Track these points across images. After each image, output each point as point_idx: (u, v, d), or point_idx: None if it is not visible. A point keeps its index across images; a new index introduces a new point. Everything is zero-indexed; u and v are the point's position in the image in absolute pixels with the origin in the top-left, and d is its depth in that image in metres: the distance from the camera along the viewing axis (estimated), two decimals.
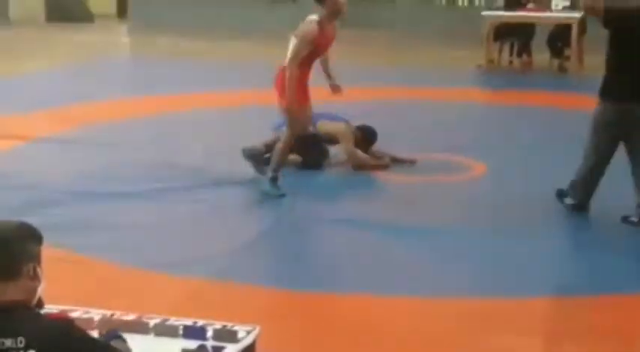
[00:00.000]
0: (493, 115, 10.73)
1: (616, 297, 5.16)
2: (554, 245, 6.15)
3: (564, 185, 6.56)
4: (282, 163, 7.03)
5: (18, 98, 10.77)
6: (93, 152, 8.28)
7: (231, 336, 3.05)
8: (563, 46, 13.30)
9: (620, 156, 6.36)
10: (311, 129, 7.41)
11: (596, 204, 6.50)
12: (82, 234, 6.03)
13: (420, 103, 10.89)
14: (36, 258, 2.61)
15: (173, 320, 3.17)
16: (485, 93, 12.65)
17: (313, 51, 6.84)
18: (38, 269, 2.60)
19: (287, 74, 6.76)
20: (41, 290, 2.62)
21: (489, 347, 4.50)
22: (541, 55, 13.62)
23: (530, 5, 13.54)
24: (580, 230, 6.44)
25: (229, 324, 3.12)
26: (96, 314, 3.19)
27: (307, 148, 7.75)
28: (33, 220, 2.77)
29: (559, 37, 13.26)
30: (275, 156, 6.99)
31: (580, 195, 6.49)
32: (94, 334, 2.83)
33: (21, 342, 2.45)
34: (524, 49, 13.78)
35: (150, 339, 3.09)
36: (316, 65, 7.18)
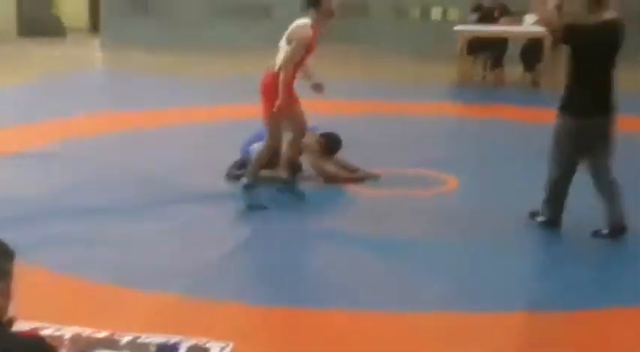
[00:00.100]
0: (466, 129, 10.78)
1: (589, 312, 5.17)
2: (526, 259, 6.19)
3: (536, 199, 6.59)
4: (259, 171, 7.08)
5: None
6: (66, 167, 8.24)
7: None
8: (535, 61, 13.41)
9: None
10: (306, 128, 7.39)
11: (568, 217, 6.53)
12: (54, 250, 5.97)
13: (393, 117, 10.92)
14: (7, 275, 2.58)
15: (145, 338, 3.16)
16: (458, 107, 12.70)
17: (304, 54, 6.91)
18: (10, 287, 2.57)
19: (282, 77, 6.80)
20: (12, 308, 2.59)
21: None
22: (514, 70, 13.71)
23: (503, 20, 13.64)
24: (552, 244, 6.46)
25: (202, 341, 3.11)
26: (67, 332, 3.17)
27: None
28: (5, 236, 2.74)
29: (531, 51, 13.36)
30: (252, 164, 7.05)
31: (549, 210, 6.53)
32: None
33: None
34: (497, 63, 13.87)
35: None
36: None
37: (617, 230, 6.35)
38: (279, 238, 6.48)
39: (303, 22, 6.91)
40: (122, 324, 3.57)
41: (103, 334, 3.21)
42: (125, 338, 3.16)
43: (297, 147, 7.28)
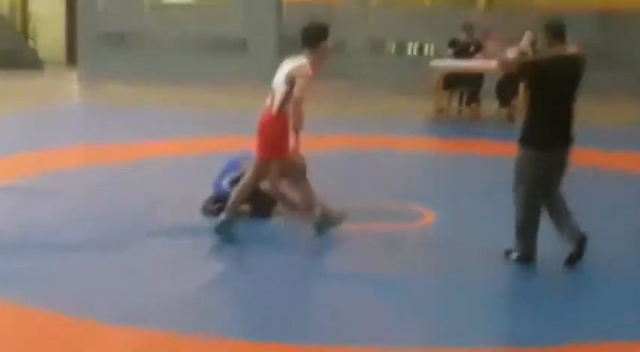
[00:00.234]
0: (442, 164, 10.81)
1: (564, 348, 5.17)
2: (502, 295, 6.19)
3: (512, 234, 6.61)
4: (239, 207, 7.07)
5: None
6: (41, 200, 8.18)
7: None
8: (510, 96, 13.51)
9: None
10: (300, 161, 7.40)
11: (543, 251, 6.55)
12: (27, 285, 5.91)
13: (370, 152, 10.94)
14: None
15: None
16: (434, 141, 12.75)
17: None
18: None
19: (294, 116, 6.84)
20: None
21: None
22: (490, 104, 13.80)
23: (478, 55, 13.75)
24: (528, 279, 6.44)
25: None
26: None
27: (256, 197, 7.74)
28: None
29: (507, 86, 13.45)
30: (232, 201, 7.03)
31: (522, 246, 6.55)
32: None
33: None
34: (473, 98, 13.97)
35: None
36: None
37: (581, 242, 6.43)
38: (256, 272, 6.43)
39: (301, 61, 6.93)
40: None
41: None
42: None
43: (248, 189, 7.19)
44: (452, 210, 8.09)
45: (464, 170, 10.22)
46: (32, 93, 16.86)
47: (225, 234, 6.96)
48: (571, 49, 6.45)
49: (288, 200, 7.73)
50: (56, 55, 22.34)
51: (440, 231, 7.55)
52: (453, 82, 13.83)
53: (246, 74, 18.52)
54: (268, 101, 7.03)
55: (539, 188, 6.46)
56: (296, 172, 7.18)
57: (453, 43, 14.18)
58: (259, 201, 7.76)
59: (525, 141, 6.44)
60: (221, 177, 7.84)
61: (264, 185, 7.76)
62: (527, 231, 6.50)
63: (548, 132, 6.37)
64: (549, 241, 6.62)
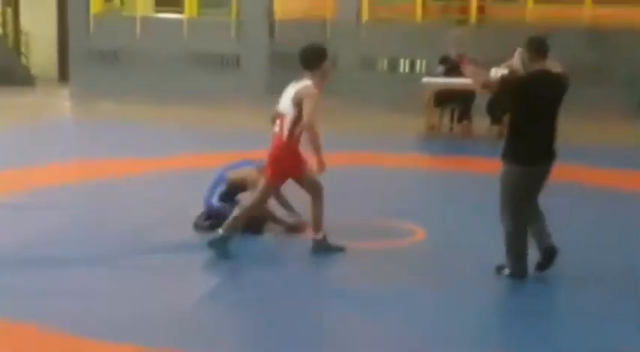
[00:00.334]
0: (433, 181, 10.84)
1: None
2: (494, 311, 6.21)
3: (502, 250, 6.63)
4: (238, 225, 7.10)
5: None
6: (32, 216, 8.17)
7: None
8: (501, 113, 13.53)
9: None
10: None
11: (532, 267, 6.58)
12: (18, 300, 5.91)
13: (362, 168, 10.96)
14: None
15: None
16: (425, 158, 12.78)
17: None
18: None
19: (311, 137, 6.91)
20: None
21: None
22: (481, 122, 13.84)
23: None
24: (519, 295, 6.47)
25: None
26: None
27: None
28: None
29: (498, 104, 13.48)
30: (234, 218, 7.06)
31: (512, 262, 6.58)
32: None
33: None
34: (465, 115, 14.01)
35: None
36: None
37: (551, 254, 6.54)
38: (249, 288, 6.43)
39: (305, 83, 6.96)
40: None
41: None
42: None
43: (321, 206, 7.27)
44: (443, 226, 8.11)
45: (455, 187, 10.25)
46: (24, 110, 16.85)
47: (220, 249, 6.97)
48: (554, 66, 6.52)
49: (270, 216, 7.75)
50: (48, 71, 22.35)
51: (431, 247, 7.56)
52: (445, 99, 13.87)
53: (238, 91, 18.57)
54: (277, 127, 7.05)
55: (523, 202, 6.52)
56: (315, 191, 7.19)
57: (444, 60, 14.22)
58: (251, 217, 7.77)
59: (506, 156, 6.54)
60: (211, 193, 7.87)
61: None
62: (516, 246, 6.54)
63: (528, 148, 6.46)
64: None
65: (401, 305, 6.07)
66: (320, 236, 7.23)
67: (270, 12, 19.69)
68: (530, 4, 18.40)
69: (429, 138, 13.78)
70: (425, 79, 14.30)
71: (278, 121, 7.04)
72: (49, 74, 22.24)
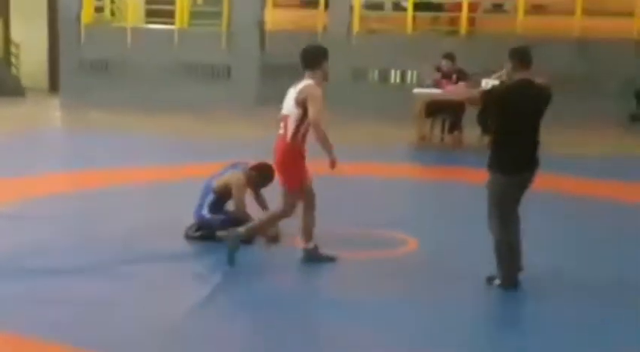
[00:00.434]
0: (425, 191, 10.85)
1: None
2: (485, 321, 6.20)
3: (493, 260, 6.64)
4: (257, 233, 7.18)
5: None
6: (23, 227, 8.14)
7: None
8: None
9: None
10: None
11: (525, 277, 6.58)
12: (7, 311, 5.87)
13: (353, 179, 10.95)
14: None
15: None
16: (417, 169, 12.79)
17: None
18: None
19: (318, 135, 6.91)
20: None
21: None
22: (472, 132, 13.87)
23: (461, 83, 13.83)
24: (510, 305, 6.47)
25: None
26: None
27: (238, 223, 7.77)
28: None
29: (489, 114, 13.52)
30: (258, 223, 7.12)
31: (503, 272, 6.59)
32: None
33: None
34: (455, 125, 14.04)
35: None
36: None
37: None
38: (241, 298, 6.42)
39: (306, 82, 6.97)
40: None
41: None
42: None
43: (280, 218, 7.26)
44: (435, 236, 8.12)
45: (447, 197, 10.26)
46: (14, 120, 16.82)
47: (232, 246, 6.98)
48: (537, 78, 6.59)
49: (255, 224, 7.74)
50: (39, 82, 22.33)
51: (423, 257, 7.56)
52: (435, 109, 13.90)
53: (229, 101, 18.58)
54: (281, 129, 7.05)
55: (510, 209, 6.56)
56: (308, 200, 7.19)
57: (437, 70, 14.26)
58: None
59: (491, 166, 6.59)
60: (201, 204, 7.85)
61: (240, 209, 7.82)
62: (506, 255, 6.55)
63: (513, 158, 6.51)
64: (532, 267, 6.67)
65: (392, 315, 6.05)
66: (310, 245, 7.22)
67: (261, 23, 19.73)
68: (520, 15, 18.48)
69: (420, 148, 13.80)
70: (416, 90, 14.33)
71: (282, 124, 7.04)
72: (39, 85, 22.22)
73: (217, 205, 7.81)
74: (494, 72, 11.26)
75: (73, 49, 20.37)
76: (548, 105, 6.60)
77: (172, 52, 19.89)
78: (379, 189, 10.47)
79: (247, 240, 7.50)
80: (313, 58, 7.05)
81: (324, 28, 19.16)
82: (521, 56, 6.57)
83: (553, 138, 14.10)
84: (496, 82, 13.81)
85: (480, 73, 13.25)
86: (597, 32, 17.87)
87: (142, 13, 21.50)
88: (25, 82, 21.66)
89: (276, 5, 20.28)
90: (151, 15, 21.44)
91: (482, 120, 13.68)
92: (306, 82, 6.97)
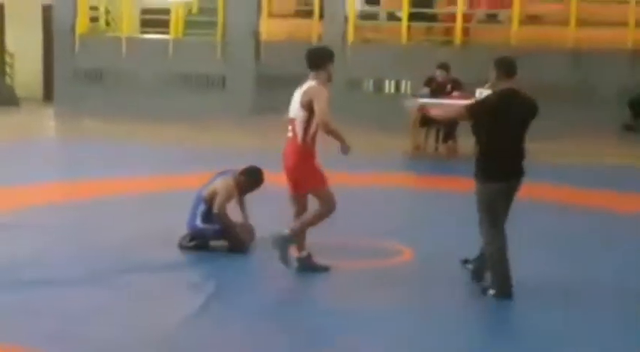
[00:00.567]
0: (420, 200, 10.85)
1: None
2: (480, 331, 6.21)
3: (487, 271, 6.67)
4: (303, 232, 7.15)
5: None
6: (17, 237, 8.12)
7: None
8: None
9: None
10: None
11: (522, 286, 6.58)
12: (2, 321, 5.86)
13: (347, 188, 10.93)
14: None
15: None
16: (411, 178, 12.80)
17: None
18: None
19: (329, 128, 7.00)
20: None
21: None
22: (466, 142, 13.86)
23: (455, 93, 13.85)
24: (505, 315, 6.47)
25: None
26: None
27: (233, 232, 7.77)
28: None
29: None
30: (303, 222, 7.11)
31: (497, 281, 6.59)
32: None
33: None
34: (450, 135, 14.04)
35: None
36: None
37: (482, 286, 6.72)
38: (235, 307, 6.40)
39: (310, 84, 7.00)
40: None
41: None
42: None
43: (321, 218, 7.25)
44: (430, 246, 8.11)
45: (441, 206, 10.25)
46: (8, 129, 16.80)
47: (282, 249, 7.05)
48: (517, 87, 6.67)
49: (233, 228, 7.73)
50: (33, 91, 22.30)
51: (417, 267, 7.56)
52: (430, 119, 13.87)
53: (224, 111, 18.57)
54: (290, 132, 7.05)
55: (500, 215, 6.62)
56: (325, 205, 7.18)
57: (429, 82, 14.28)
58: (236, 236, 7.77)
59: (477, 175, 6.67)
60: (193, 215, 7.84)
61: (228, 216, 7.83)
62: (498, 261, 6.57)
63: (499, 166, 6.58)
64: (525, 276, 6.67)
65: (386, 325, 6.05)
66: (304, 254, 7.21)
67: (256, 33, 19.74)
68: (514, 25, 18.52)
69: (414, 158, 13.81)
70: (409, 101, 14.32)
71: (290, 127, 7.04)
72: (34, 94, 22.19)
73: (210, 215, 7.80)
74: (486, 82, 11.27)
75: (68, 58, 20.36)
76: (536, 115, 6.65)
77: (167, 61, 19.88)
78: (374, 199, 10.46)
79: (294, 241, 7.49)
80: (318, 59, 7.08)
81: (319, 38, 19.18)
82: (508, 67, 6.64)
83: (546, 148, 14.18)
84: (489, 92, 13.90)
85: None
86: (591, 42, 17.92)
87: (136, 23, 21.49)
88: (20, 91, 21.63)
89: (271, 15, 20.30)
90: (146, 25, 21.45)
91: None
92: (309, 84, 6.98)
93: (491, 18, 20.05)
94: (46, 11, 21.85)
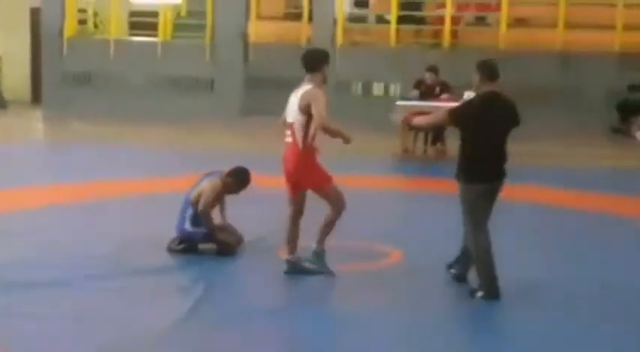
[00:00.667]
0: (409, 203, 10.85)
1: None
2: (470, 333, 6.21)
3: (475, 273, 6.68)
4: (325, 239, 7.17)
5: None
6: (4, 240, 8.09)
7: None
8: None
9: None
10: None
11: (511, 288, 6.59)
12: None
13: None
14: None
15: None
16: (400, 181, 12.81)
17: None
18: None
19: (328, 129, 7.00)
20: None
21: None
22: (454, 144, 13.88)
23: (444, 95, 13.87)
24: (494, 316, 6.48)
25: None
26: None
27: (221, 236, 7.76)
28: None
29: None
30: (323, 232, 7.15)
31: (486, 284, 6.61)
32: None
33: None
34: (438, 138, 14.07)
35: None
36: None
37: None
38: (224, 310, 6.39)
39: (305, 88, 6.99)
40: None
41: None
42: None
43: (336, 219, 7.30)
44: (419, 248, 8.11)
45: (430, 209, 10.26)
46: None
47: (320, 266, 7.11)
48: (499, 90, 6.72)
49: (213, 230, 7.72)
50: (21, 94, 22.22)
51: (407, 269, 7.57)
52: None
53: (213, 113, 18.55)
54: (289, 137, 7.04)
55: (483, 215, 6.68)
56: (300, 209, 7.19)
57: (418, 84, 14.30)
58: (225, 240, 7.76)
59: (459, 177, 6.72)
60: (182, 219, 7.82)
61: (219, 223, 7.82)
62: (484, 261, 6.62)
63: (481, 168, 6.64)
64: (513, 278, 6.68)
65: (375, 327, 6.05)
66: (294, 257, 7.20)
67: (244, 35, 19.72)
68: (502, 28, 18.56)
69: (403, 160, 13.82)
70: (399, 102, 14.35)
71: (288, 132, 7.02)
72: (22, 97, 22.11)
73: (198, 218, 7.78)
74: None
75: (56, 61, 20.30)
76: (518, 118, 6.70)
77: (156, 64, 19.85)
78: (363, 202, 10.43)
79: (228, 252, 7.54)
80: (314, 61, 7.09)
81: (308, 40, 19.17)
82: (491, 71, 6.71)
83: (535, 150, 14.21)
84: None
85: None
86: (579, 45, 17.98)
87: (125, 25, 21.45)
88: (8, 94, 21.55)
89: (259, 18, 20.29)
90: (135, 27, 21.40)
91: None
92: (306, 88, 6.97)
93: (480, 21, 20.10)
94: (34, 14, 21.78)
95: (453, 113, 6.78)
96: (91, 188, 10.78)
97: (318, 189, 7.10)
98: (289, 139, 7.04)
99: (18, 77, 22.34)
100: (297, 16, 19.87)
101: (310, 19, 19.48)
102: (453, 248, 7.95)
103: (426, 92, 14.08)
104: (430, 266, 7.54)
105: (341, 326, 6.07)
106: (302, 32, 19.36)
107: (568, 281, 7.21)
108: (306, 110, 6.91)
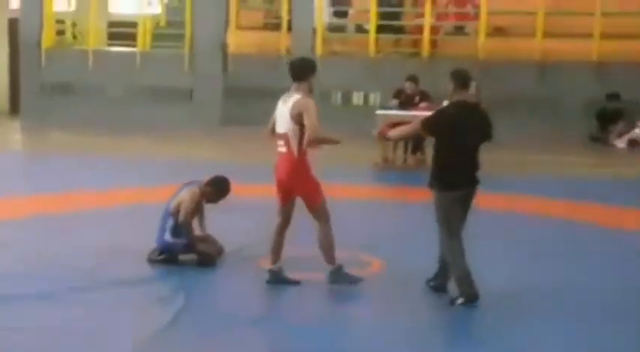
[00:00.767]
0: (389, 212, 10.86)
1: None
2: (452, 341, 6.20)
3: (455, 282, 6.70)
4: (334, 254, 7.16)
5: None
6: None
7: None
8: None
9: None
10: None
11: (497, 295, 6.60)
12: None
13: None
14: None
15: None
16: (380, 190, 12.82)
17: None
18: None
19: (318, 140, 7.00)
20: None
21: None
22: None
23: (423, 104, 13.90)
24: (476, 323, 6.50)
25: None
26: None
27: (201, 246, 7.74)
28: None
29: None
30: (327, 253, 7.14)
31: (463, 289, 6.65)
32: None
33: None
34: (418, 147, 14.10)
35: None
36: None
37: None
38: (205, 321, 6.37)
39: (295, 97, 6.98)
40: None
41: None
42: None
43: (330, 233, 7.29)
44: (399, 257, 8.12)
45: (410, 218, 10.26)
46: None
47: (343, 280, 7.08)
48: (471, 97, 6.88)
49: (193, 240, 7.70)
50: None
51: (388, 278, 7.57)
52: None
53: (192, 123, 18.53)
54: (282, 147, 7.03)
55: (457, 221, 6.76)
56: (287, 220, 7.17)
57: (398, 94, 14.33)
58: (205, 250, 7.74)
59: (433, 184, 6.84)
60: (162, 230, 7.79)
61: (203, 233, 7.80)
62: (460, 269, 6.67)
63: (455, 175, 6.73)
64: (501, 287, 6.69)
65: (356, 337, 6.06)
66: (277, 267, 7.19)
67: (223, 45, 19.72)
68: (481, 37, 18.65)
69: (383, 169, 13.84)
70: (379, 112, 14.38)
71: (281, 142, 6.99)
72: (0, 107, 22.04)
73: (178, 228, 7.75)
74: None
75: (34, 71, 20.23)
76: (490, 126, 6.77)
77: (135, 74, 19.82)
78: (343, 211, 10.40)
79: (208, 263, 7.52)
80: (301, 71, 7.09)
81: (287, 50, 19.20)
82: (465, 79, 6.77)
83: (513, 158, 14.27)
84: None
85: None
86: (558, 54, 18.10)
87: (104, 36, 21.40)
88: None
89: (239, 28, 20.29)
90: (113, 38, 21.36)
91: None
92: (296, 97, 6.96)
93: (459, 30, 20.18)
94: (12, 24, 21.69)
95: (427, 122, 6.83)
96: (71, 199, 10.72)
97: (309, 200, 7.09)
98: (283, 149, 7.02)
99: None
100: (277, 26, 19.90)
101: (289, 29, 19.50)
102: (433, 256, 7.96)
103: (406, 101, 14.12)
104: (412, 275, 7.54)
105: (321, 336, 6.06)
106: (281, 42, 19.38)
107: (549, 288, 7.24)
108: (297, 119, 6.90)
